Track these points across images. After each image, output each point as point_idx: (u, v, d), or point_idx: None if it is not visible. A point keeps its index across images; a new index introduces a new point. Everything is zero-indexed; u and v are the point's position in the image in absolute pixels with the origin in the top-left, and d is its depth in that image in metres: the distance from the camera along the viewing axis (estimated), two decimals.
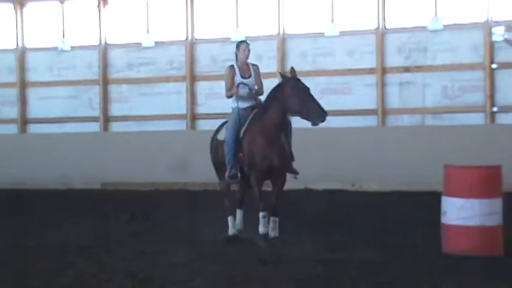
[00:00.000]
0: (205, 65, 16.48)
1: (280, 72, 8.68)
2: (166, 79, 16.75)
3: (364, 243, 8.44)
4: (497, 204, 7.82)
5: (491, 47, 14.30)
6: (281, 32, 15.83)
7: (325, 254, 7.88)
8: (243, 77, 8.85)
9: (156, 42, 16.82)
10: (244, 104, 8.84)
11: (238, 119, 8.73)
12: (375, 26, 15.11)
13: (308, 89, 8.43)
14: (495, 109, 14.31)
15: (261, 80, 8.98)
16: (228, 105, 16.42)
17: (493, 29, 14.26)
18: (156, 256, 7.88)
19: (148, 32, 16.89)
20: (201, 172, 14.65)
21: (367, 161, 14.17)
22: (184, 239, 8.96)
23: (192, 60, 16.51)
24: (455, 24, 14.64)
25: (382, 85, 15.01)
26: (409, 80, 14.92)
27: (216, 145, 9.23)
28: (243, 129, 8.69)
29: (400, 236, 8.88)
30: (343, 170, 14.19)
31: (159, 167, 15.35)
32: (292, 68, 8.63)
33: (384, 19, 15.07)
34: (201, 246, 8.46)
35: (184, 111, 16.54)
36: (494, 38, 14.24)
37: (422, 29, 14.81)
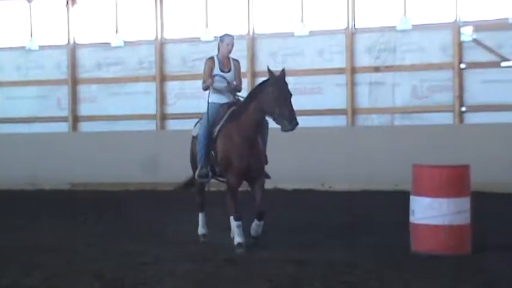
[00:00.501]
0: (175, 65, 16.45)
1: (268, 68, 8.21)
2: (136, 79, 16.68)
3: (334, 243, 8.48)
4: (465, 203, 7.89)
5: (460, 47, 14.44)
6: (251, 32, 15.85)
7: (295, 253, 7.89)
8: (222, 71, 8.61)
9: (125, 42, 16.75)
10: (221, 100, 8.60)
11: (213, 114, 8.46)
12: (345, 26, 15.18)
13: (289, 93, 8.04)
14: (463, 109, 14.46)
15: (240, 77, 8.80)
16: (199, 105, 16.49)
17: (462, 29, 14.40)
18: (126, 256, 7.84)
19: (117, 31, 16.80)
20: (172, 172, 14.68)
21: (337, 161, 14.24)
22: (154, 239, 8.93)
23: (161, 60, 16.46)
24: (424, 24, 14.76)
25: (352, 85, 15.09)
26: (378, 80, 15.02)
27: (191, 141, 8.95)
28: (218, 126, 8.40)
29: (369, 236, 8.92)
30: (313, 169, 14.23)
31: (129, 167, 15.29)
32: (283, 70, 8.24)
33: (353, 19, 15.15)
34: (171, 246, 8.44)
35: (153, 111, 16.49)
36: (463, 38, 14.39)
37: (392, 29, 14.92)
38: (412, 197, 7.99)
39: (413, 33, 14.83)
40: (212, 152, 8.43)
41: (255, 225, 8.31)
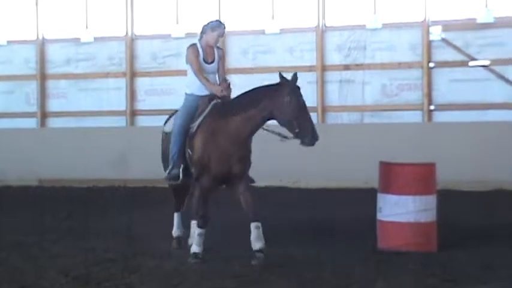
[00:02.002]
0: (145, 61, 16.37)
1: (280, 73, 7.42)
2: (106, 75, 16.58)
3: (303, 239, 8.52)
4: (431, 200, 7.98)
5: (429, 46, 14.55)
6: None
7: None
8: (205, 61, 7.78)
9: (95, 38, 16.62)
10: (201, 92, 7.74)
11: (191, 108, 7.66)
12: (315, 24, 15.22)
13: (305, 103, 7.37)
14: (432, 107, 14.57)
15: (224, 68, 8.03)
16: (169, 102, 16.44)
17: (431, 29, 14.52)
18: (92, 253, 7.81)
19: (87, 27, 16.68)
20: (141, 169, 14.61)
21: (307, 158, 14.27)
22: (122, 236, 8.90)
23: (132, 56, 16.37)
24: (393, 23, 14.84)
25: (322, 83, 15.14)
26: (348, 78, 15.08)
27: (163, 139, 8.24)
28: (197, 121, 7.56)
29: (337, 232, 8.98)
30: (283, 167, 14.26)
31: (98, 163, 15.19)
32: (295, 74, 7.40)
33: (323, 17, 15.20)
34: (139, 242, 8.41)
35: (123, 108, 16.40)
36: (432, 37, 14.50)
37: (362, 27, 14.98)
38: (379, 195, 8.06)
39: (383, 32, 14.91)
40: (188, 150, 7.59)
41: (255, 229, 7.30)
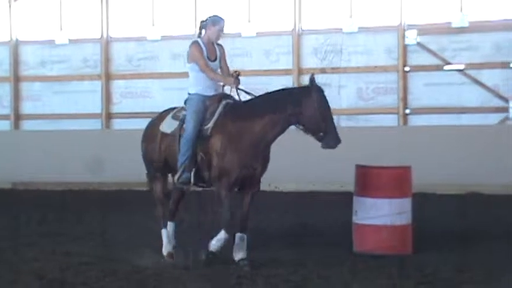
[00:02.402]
0: (120, 63, 16.33)
1: (311, 77, 7.27)
2: (81, 77, 16.51)
3: (278, 243, 8.54)
4: (406, 204, 8.03)
5: (405, 50, 14.66)
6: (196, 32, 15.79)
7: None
8: (209, 59, 7.46)
9: (70, 40, 16.55)
10: (206, 92, 7.43)
11: (200, 109, 7.29)
12: (291, 27, 15.28)
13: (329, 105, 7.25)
14: (408, 111, 14.69)
15: (227, 64, 7.66)
16: (144, 104, 16.41)
17: (406, 33, 14.63)
18: (67, 256, 7.77)
19: (61, 29, 16.60)
20: (116, 172, 14.56)
21: (284, 162, 14.29)
22: (96, 240, 8.86)
23: (107, 59, 16.32)
24: (369, 27, 14.94)
25: (299, 86, 15.16)
26: (324, 82, 14.99)
27: (155, 138, 7.64)
28: (210, 124, 7.24)
29: (313, 235, 9.01)
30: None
31: (73, 166, 15.10)
32: (312, 76, 7.31)
33: (300, 21, 15.26)
34: (113, 247, 8.38)
35: (99, 110, 16.34)
36: (407, 41, 14.62)
37: (338, 31, 15.05)
38: (355, 198, 8.10)
39: (359, 36, 15.00)
40: (201, 154, 7.26)
41: (239, 240, 7.26)
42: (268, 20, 15.50)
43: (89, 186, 14.89)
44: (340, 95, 15.00)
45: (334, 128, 7.23)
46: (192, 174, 7.28)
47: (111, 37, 16.37)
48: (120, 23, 16.33)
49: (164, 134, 7.58)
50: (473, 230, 9.29)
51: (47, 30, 16.67)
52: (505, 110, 14.15)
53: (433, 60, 14.51)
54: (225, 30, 7.66)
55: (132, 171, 14.50)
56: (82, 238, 8.99)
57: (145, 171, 8.00)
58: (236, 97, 7.49)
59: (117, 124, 16.27)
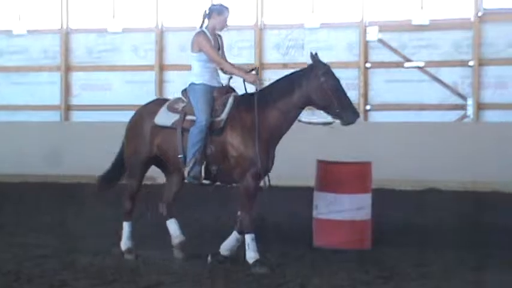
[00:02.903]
0: (80, 55, 16.14)
1: (312, 53, 7.14)
2: (40, 68, 16.29)
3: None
4: (366, 199, 8.10)
5: (366, 46, 14.75)
6: (159, 25, 15.72)
7: (199, 248, 7.91)
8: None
9: (28, 31, 16.31)
10: (212, 82, 7.19)
11: (209, 100, 7.03)
12: (254, 22, 15.26)
13: (339, 79, 7.09)
14: (368, 107, 14.79)
15: (225, 56, 7.44)
16: (104, 97, 16.24)
17: (368, 29, 14.72)
18: (23, 249, 7.66)
19: (19, 19, 16.36)
20: (75, 164, 14.40)
21: None
22: (54, 232, 8.76)
23: (66, 50, 16.13)
24: (331, 23, 14.99)
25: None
26: None
27: (143, 133, 7.28)
28: (223, 115, 6.99)
29: (273, 230, 9.00)
30: None
31: (30, 158, 14.90)
32: (315, 54, 7.18)
33: (262, 15, 15.25)
34: (71, 239, 8.29)
35: (58, 102, 16.14)
36: (368, 37, 14.71)
37: (300, 26, 15.08)
38: (315, 193, 8.13)
39: (321, 32, 15.05)
40: (211, 147, 7.02)
41: (235, 239, 7.18)
42: (231, 15, 15.42)
43: (47, 178, 14.70)
44: None
45: (349, 101, 7.08)
46: (203, 168, 7.02)
47: (71, 28, 16.18)
48: (81, 15, 16.13)
49: (159, 128, 7.22)
50: (431, 225, 9.39)
51: (5, 20, 16.41)
52: (464, 107, 14.33)
53: (393, 57, 14.63)
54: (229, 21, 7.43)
55: (90, 163, 14.43)
56: (39, 230, 8.88)
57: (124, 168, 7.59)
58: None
59: (77, 116, 16.09)
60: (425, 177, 13.19)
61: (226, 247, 7.17)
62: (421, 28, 14.57)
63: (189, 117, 7.08)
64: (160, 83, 15.58)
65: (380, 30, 14.69)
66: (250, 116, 6.96)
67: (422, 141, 13.50)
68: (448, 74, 14.35)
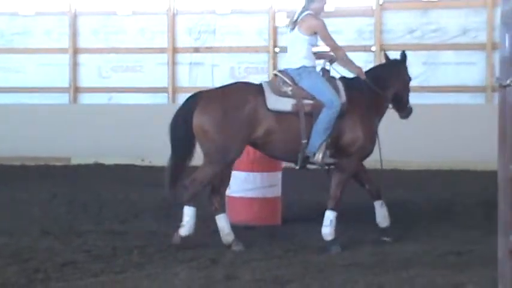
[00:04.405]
0: None
1: (385, 53, 7.57)
2: None
3: (153, 216, 8.48)
4: (276, 177, 8.17)
5: (275, 32, 14.84)
6: (73, 10, 15.35)
7: (114, 225, 7.83)
8: None
9: None
10: (314, 63, 7.00)
11: (326, 83, 6.84)
12: (167, 8, 15.10)
13: None
14: None
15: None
16: (16, 79, 15.71)
17: (276, 15, 14.80)
18: None
19: None
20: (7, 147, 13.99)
21: (158, 137, 14.20)
22: None
23: None
24: (242, 9, 15.00)
25: (173, 64, 15.07)
26: (198, 61, 15.09)
27: (248, 117, 6.59)
28: (343, 99, 6.76)
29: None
30: (139, 145, 14.09)
31: None
32: (404, 53, 7.42)
33: (174, 1, 15.11)
34: None
35: None
36: (277, 23, 14.80)
37: (212, 12, 15.03)
38: None
39: (231, 17, 15.02)
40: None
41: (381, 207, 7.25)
42: (144, 0, 15.26)
43: None
44: (213, 73, 15.02)
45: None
46: (328, 152, 6.73)
47: None
48: None
49: (270, 113, 6.64)
50: None
51: None
52: None
53: None
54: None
55: (2, 147, 14.03)
56: None
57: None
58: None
59: None
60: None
61: (380, 218, 7.23)
62: (326, 15, 14.49)
63: (306, 101, 6.72)
64: (74, 66, 15.23)
65: (288, 17, 14.73)
66: (364, 100, 6.88)
67: None
68: (352, 58, 14.51)
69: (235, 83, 7.51)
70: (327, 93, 6.72)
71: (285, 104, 6.69)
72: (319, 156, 6.67)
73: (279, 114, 6.66)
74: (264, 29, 14.92)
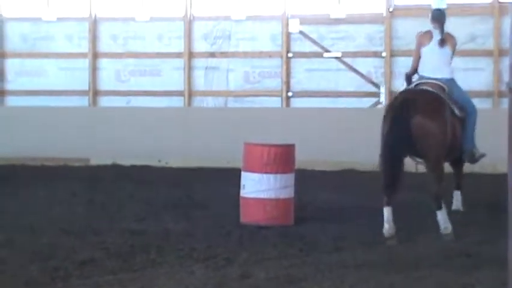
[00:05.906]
0: (15, 42, 15.65)
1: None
2: None
3: (169, 215, 8.45)
4: (290, 179, 8.13)
5: (288, 37, 14.80)
6: (93, 15, 15.38)
7: (132, 224, 7.81)
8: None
9: None
10: None
11: None
12: (183, 14, 15.10)
13: None
14: (290, 94, 14.86)
15: None
16: (39, 83, 15.78)
17: (289, 22, 14.76)
18: None
19: None
20: (10, 148, 13.99)
21: (174, 139, 14.22)
22: None
23: (1, 38, 15.61)
24: (256, 15, 14.98)
25: (189, 69, 15.07)
26: (214, 65, 15.08)
27: (448, 121, 7.36)
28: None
29: (202, 208, 8.95)
30: (153, 147, 14.10)
31: None
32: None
33: (191, 7, 15.11)
34: (8, 217, 8.04)
35: None
36: (290, 29, 14.76)
37: (227, 18, 15.02)
38: (243, 173, 8.11)
39: (246, 23, 15.00)
40: None
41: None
42: (161, 6, 15.27)
43: None
44: (228, 78, 15.01)
45: None
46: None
47: (5, 17, 15.66)
48: (15, 3, 15.62)
49: (452, 117, 7.45)
50: (349, 203, 9.49)
51: None
52: (377, 95, 14.54)
53: (313, 48, 14.72)
54: None
55: (24, 147, 14.05)
56: None
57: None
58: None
59: (11, 101, 15.63)
60: (343, 159, 13.35)
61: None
62: (338, 21, 14.69)
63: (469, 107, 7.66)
64: (94, 70, 15.26)
65: (301, 23, 14.75)
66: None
67: (339, 125, 13.65)
68: (362, 64, 14.52)
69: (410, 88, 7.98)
70: (469, 101, 7.79)
71: (459, 111, 7.55)
72: (477, 156, 7.70)
73: (454, 118, 7.50)
74: (277, 34, 14.88)
